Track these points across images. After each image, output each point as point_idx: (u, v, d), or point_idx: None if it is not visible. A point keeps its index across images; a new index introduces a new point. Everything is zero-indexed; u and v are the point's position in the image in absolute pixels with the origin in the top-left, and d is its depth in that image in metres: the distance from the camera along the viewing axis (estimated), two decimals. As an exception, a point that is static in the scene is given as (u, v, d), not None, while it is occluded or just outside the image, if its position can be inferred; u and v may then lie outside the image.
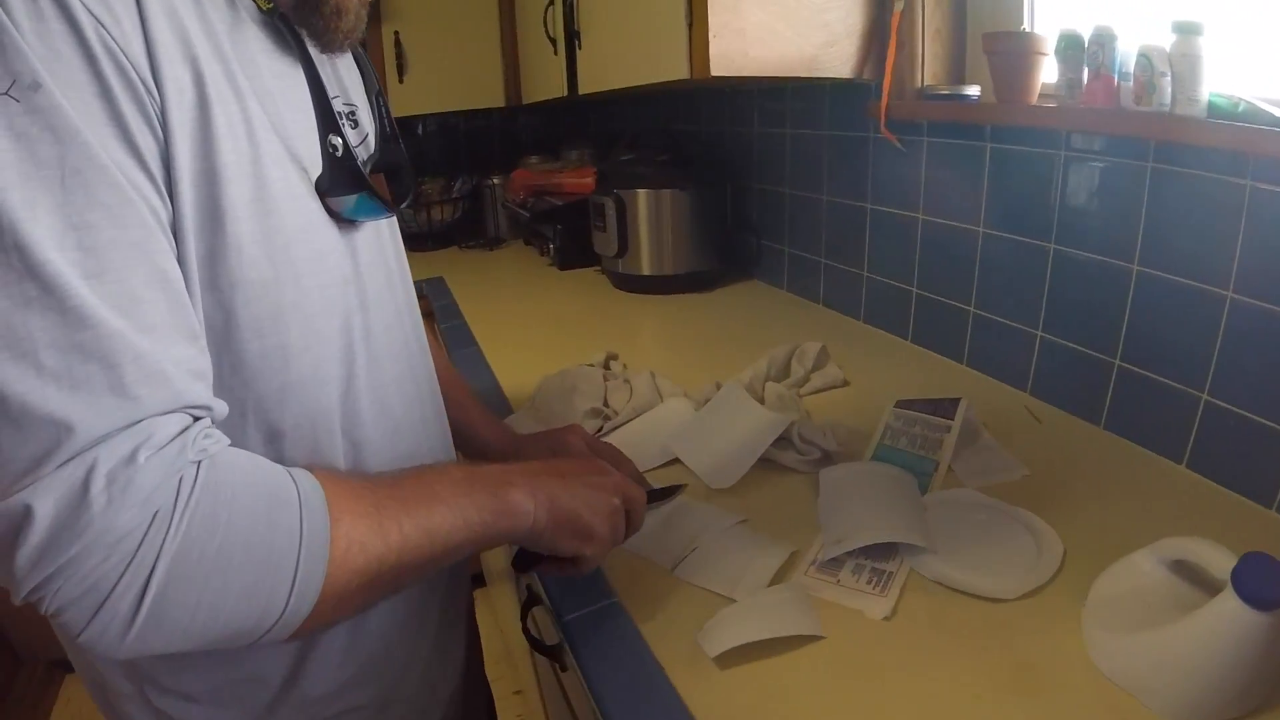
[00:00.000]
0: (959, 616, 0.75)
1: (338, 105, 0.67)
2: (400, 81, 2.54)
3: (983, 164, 1.23)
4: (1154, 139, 0.96)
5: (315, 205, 0.62)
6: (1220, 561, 0.63)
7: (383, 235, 0.74)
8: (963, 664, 0.69)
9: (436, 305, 2.03)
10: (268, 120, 0.58)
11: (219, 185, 0.54)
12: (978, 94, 1.27)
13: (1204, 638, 0.60)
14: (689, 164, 1.91)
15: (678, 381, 1.28)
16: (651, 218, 1.89)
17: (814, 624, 0.74)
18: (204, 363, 0.53)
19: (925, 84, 1.34)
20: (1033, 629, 0.72)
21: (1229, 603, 0.58)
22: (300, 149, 0.61)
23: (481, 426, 0.99)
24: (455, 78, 2.61)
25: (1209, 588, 0.65)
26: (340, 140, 0.64)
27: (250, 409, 0.60)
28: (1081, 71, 1.04)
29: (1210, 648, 0.60)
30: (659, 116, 2.45)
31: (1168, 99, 0.92)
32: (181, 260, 0.52)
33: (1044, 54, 1.12)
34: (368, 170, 0.70)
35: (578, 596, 0.82)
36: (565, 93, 1.99)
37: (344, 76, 0.72)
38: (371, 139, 0.75)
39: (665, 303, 1.90)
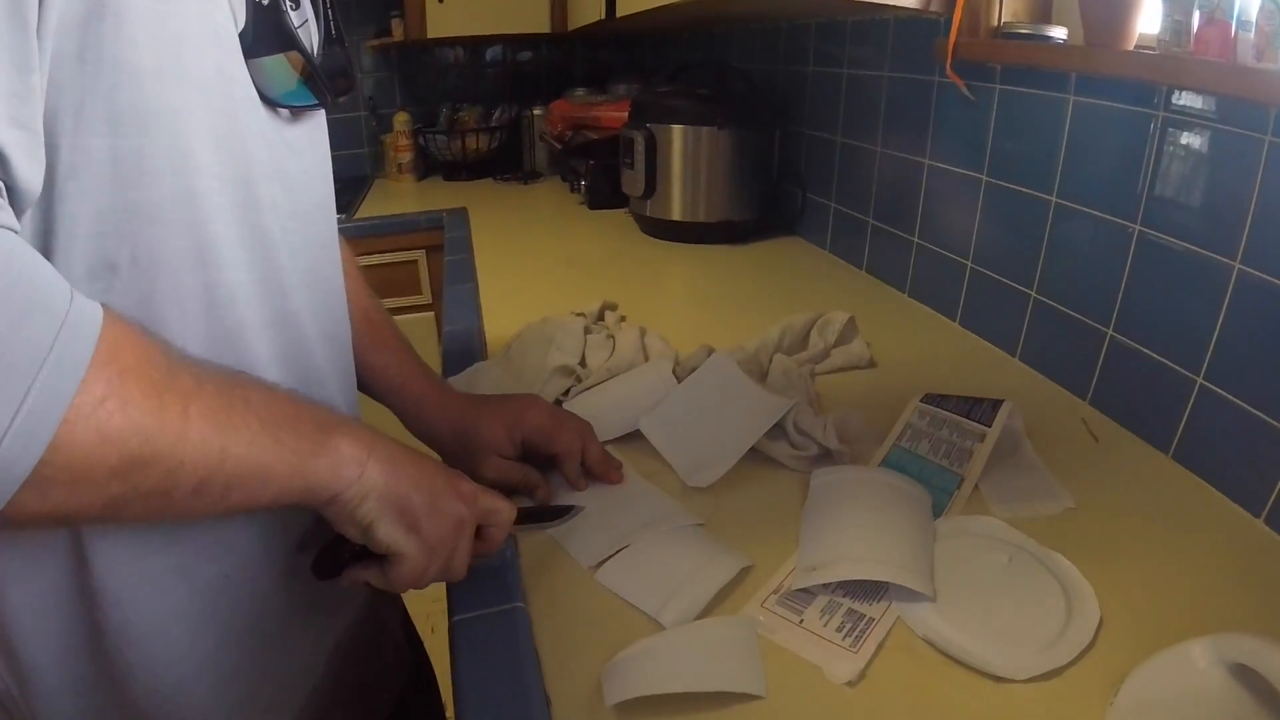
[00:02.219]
0: (946, 695, 0.58)
1: None
2: (440, 0, 2.37)
3: (1063, 121, 1.02)
4: (1277, 104, 0.75)
5: (230, 34, 0.54)
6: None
7: (313, 126, 0.67)
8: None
9: (449, 237, 1.92)
10: None
11: None
12: (1064, 36, 1.06)
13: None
14: (733, 101, 1.71)
15: (687, 343, 1.11)
16: (686, 157, 1.71)
17: (755, 679, 0.58)
18: (27, 113, 0.42)
19: (1003, 21, 1.14)
20: (1041, 727, 0.55)
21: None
22: None
23: (414, 380, 0.85)
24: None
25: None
26: None
27: (81, 229, 0.48)
28: (1192, 15, 0.85)
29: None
30: (714, 52, 2.26)
31: (1300, 56, 0.72)
32: (43, 5, 0.42)
33: (1148, -8, 0.91)
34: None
35: (479, 590, 0.68)
36: (603, 15, 1.81)
37: None
38: (315, 37, 0.66)
39: (694, 253, 1.73)
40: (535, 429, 0.82)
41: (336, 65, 0.68)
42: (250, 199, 0.57)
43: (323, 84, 0.62)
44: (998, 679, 0.58)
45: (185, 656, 0.60)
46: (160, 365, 0.46)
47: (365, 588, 0.62)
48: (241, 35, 0.55)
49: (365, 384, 0.83)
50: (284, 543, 0.64)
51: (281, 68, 0.58)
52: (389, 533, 0.57)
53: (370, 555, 0.59)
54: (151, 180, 0.49)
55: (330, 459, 0.53)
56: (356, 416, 0.74)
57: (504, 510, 0.66)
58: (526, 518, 0.73)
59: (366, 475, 0.55)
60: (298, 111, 0.63)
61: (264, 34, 0.56)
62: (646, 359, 1.07)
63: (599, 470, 0.83)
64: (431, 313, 2.26)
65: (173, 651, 0.59)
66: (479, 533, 0.65)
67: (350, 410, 0.75)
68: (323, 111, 0.69)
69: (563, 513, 0.76)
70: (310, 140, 0.67)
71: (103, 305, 0.44)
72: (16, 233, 0.42)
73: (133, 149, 0.48)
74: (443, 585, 0.69)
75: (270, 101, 0.58)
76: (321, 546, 0.61)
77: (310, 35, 0.65)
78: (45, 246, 0.47)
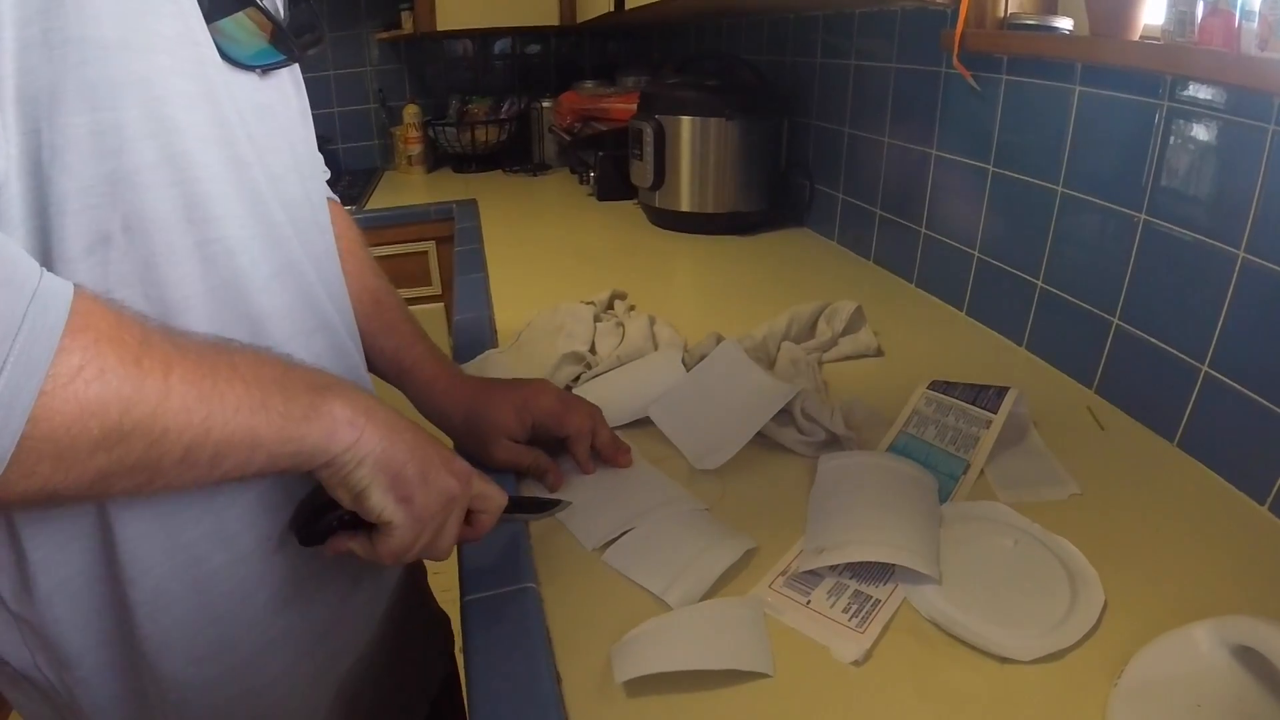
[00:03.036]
0: (951, 675, 0.58)
1: None
2: (447, -9, 2.38)
3: (1068, 111, 1.02)
4: (1281, 95, 0.75)
5: (191, 7, 0.52)
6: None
7: (282, 87, 0.65)
8: (943, 742, 0.53)
9: (459, 228, 1.92)
10: None
11: None
12: (1070, 27, 1.06)
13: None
14: (741, 92, 1.71)
15: (696, 333, 1.12)
16: (695, 148, 1.71)
17: (762, 658, 0.59)
18: None
19: (1009, 12, 1.13)
20: (1044, 705, 0.56)
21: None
22: None
23: (425, 363, 0.85)
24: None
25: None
26: None
27: (72, 205, 0.48)
28: (1196, 5, 0.84)
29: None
30: (722, 43, 2.25)
31: (1303, 46, 0.72)
32: None
33: (1154, -18, 0.91)
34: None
35: (491, 572, 0.69)
36: (611, 8, 1.81)
37: None
38: (281, 5, 0.64)
39: (702, 244, 1.74)
40: (546, 413, 0.82)
41: (304, 21, 0.67)
42: (235, 156, 0.56)
43: (288, 40, 0.60)
44: (1003, 660, 0.59)
45: (223, 618, 0.61)
46: (137, 334, 0.45)
47: (349, 555, 0.61)
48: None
49: (376, 367, 0.84)
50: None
51: (244, 28, 0.57)
52: (380, 500, 0.56)
53: (358, 524, 0.58)
54: (133, 148, 0.49)
55: (324, 423, 0.52)
56: (363, 369, 0.75)
57: (496, 496, 0.66)
58: (517, 507, 0.73)
59: (363, 439, 0.54)
60: (267, 71, 0.61)
61: None
62: (656, 347, 1.08)
63: (608, 453, 0.84)
64: (441, 303, 2.27)
65: (208, 614, 0.60)
66: (468, 517, 0.65)
67: (360, 358, 0.75)
68: (290, 73, 0.67)
69: (551, 505, 0.77)
70: (281, 100, 0.66)
71: (75, 285, 0.43)
72: None
73: (110, 121, 0.48)
74: (454, 573, 0.70)
75: (237, 63, 0.57)
76: (308, 511, 0.61)
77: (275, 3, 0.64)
78: (41, 227, 0.47)
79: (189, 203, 0.53)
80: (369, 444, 0.54)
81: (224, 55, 0.55)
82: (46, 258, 0.48)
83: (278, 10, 0.64)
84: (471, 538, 0.67)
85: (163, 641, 0.58)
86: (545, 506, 0.76)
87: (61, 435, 0.40)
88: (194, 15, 0.53)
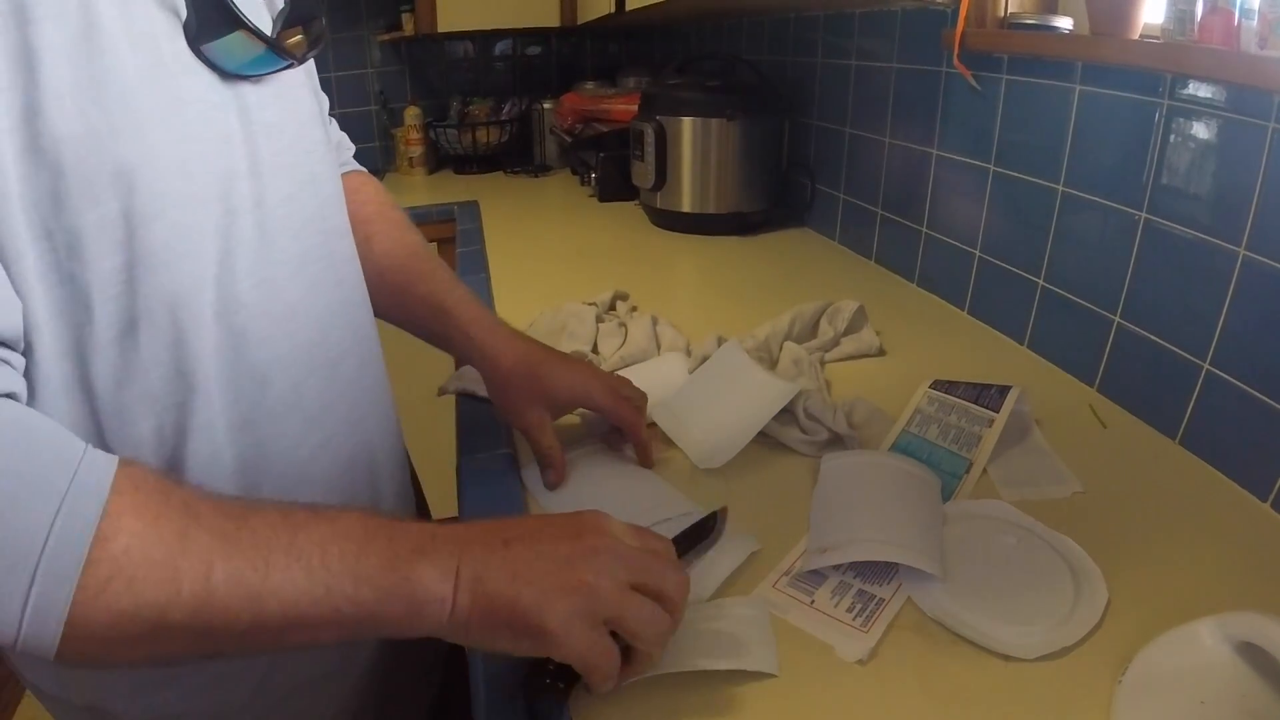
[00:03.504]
0: (955, 673, 0.59)
1: None
2: (448, -8, 2.38)
3: (1069, 110, 1.03)
4: (1281, 93, 0.75)
5: (175, 49, 0.52)
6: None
7: (290, 93, 0.64)
8: (948, 740, 0.53)
9: (460, 229, 1.93)
10: None
11: (29, 25, 0.44)
12: (1070, 26, 1.06)
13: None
14: (742, 92, 1.72)
15: (698, 333, 1.12)
16: (696, 149, 1.71)
17: (768, 658, 0.59)
18: None
19: (1009, 12, 1.14)
20: (1048, 703, 0.56)
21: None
22: None
23: (467, 304, 0.85)
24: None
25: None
26: None
27: (94, 296, 0.49)
28: (1195, 4, 0.85)
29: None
30: (722, 44, 2.25)
31: (1303, 44, 0.72)
32: None
33: (1154, -19, 0.91)
34: (278, 26, 0.60)
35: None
36: (613, 9, 1.81)
37: None
38: None
39: (704, 244, 1.74)
40: (599, 407, 0.82)
41: (306, 10, 0.64)
42: (243, 204, 0.57)
43: (282, 51, 0.59)
44: (1007, 658, 0.59)
45: None
46: (176, 527, 0.43)
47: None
48: (185, 26, 0.53)
49: (415, 316, 0.83)
50: None
51: (238, 44, 0.56)
52: (514, 647, 0.49)
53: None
54: (141, 233, 0.50)
55: (410, 605, 0.47)
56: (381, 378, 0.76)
57: (662, 572, 0.53)
58: (683, 548, 0.67)
59: (459, 603, 0.48)
60: (261, 78, 0.60)
61: (207, 18, 0.53)
62: (659, 347, 1.08)
63: (643, 455, 0.84)
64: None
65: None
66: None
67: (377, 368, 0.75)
68: (304, 70, 0.67)
69: (710, 527, 0.71)
70: (292, 107, 0.65)
71: (121, 460, 0.44)
72: (16, 397, 0.44)
73: (114, 212, 0.49)
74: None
75: (234, 75, 0.57)
76: (528, 671, 0.55)
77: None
78: (72, 320, 0.49)
79: (223, 290, 0.56)
80: (467, 604, 0.48)
81: (218, 68, 0.55)
82: (81, 348, 0.50)
83: (273, 9, 0.63)
84: (671, 622, 0.54)
85: None
86: (704, 532, 0.71)
87: (100, 635, 0.42)
88: (178, 59, 0.52)
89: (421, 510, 0.99)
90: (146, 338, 0.52)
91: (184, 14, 0.53)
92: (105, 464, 0.43)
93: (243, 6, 0.55)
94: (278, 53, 0.59)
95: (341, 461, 0.70)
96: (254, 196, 0.58)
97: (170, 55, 0.52)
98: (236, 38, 0.55)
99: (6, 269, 0.45)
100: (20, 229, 0.45)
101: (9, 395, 0.44)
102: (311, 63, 0.70)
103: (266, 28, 0.59)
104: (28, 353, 0.48)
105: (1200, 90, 0.85)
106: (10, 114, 0.44)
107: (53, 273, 0.47)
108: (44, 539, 0.39)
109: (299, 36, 0.62)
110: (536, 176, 2.59)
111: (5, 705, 2.00)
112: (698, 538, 0.71)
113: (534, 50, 2.91)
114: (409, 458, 0.90)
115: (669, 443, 0.89)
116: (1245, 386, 0.81)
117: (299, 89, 0.67)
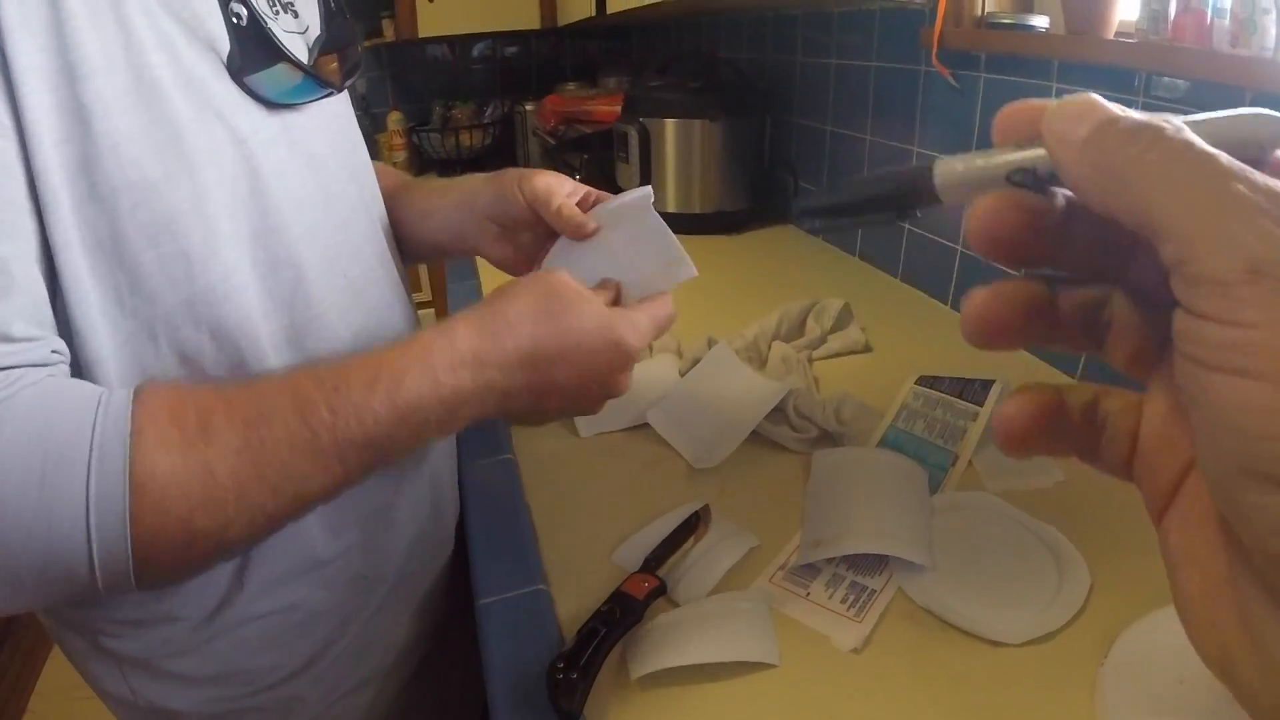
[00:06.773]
0: (946, 659, 0.61)
1: None
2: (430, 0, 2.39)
3: (1046, 106, 1.05)
4: (1251, 88, 0.77)
5: (224, 88, 0.54)
6: None
7: (333, 121, 0.66)
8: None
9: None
10: None
11: (79, 82, 0.46)
12: (1046, 25, 1.08)
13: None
14: (724, 93, 1.73)
15: (686, 333, 1.12)
16: (679, 150, 1.72)
17: (769, 649, 0.61)
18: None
19: (986, 11, 1.16)
20: (1035, 685, 0.58)
21: None
22: (211, 27, 0.53)
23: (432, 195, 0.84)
24: (487, -4, 2.46)
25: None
26: (244, 8, 0.55)
27: (160, 329, 0.52)
28: (1169, 3, 0.87)
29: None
30: (702, 43, 2.27)
31: (1271, 41, 0.75)
32: (37, 173, 0.45)
33: (1127, -19, 0.93)
34: (314, 54, 0.63)
35: (503, 578, 0.71)
36: (594, 12, 1.82)
37: None
38: (316, 24, 0.66)
39: (689, 243, 1.66)
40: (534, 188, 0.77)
41: (341, 36, 0.67)
42: (299, 235, 0.60)
43: (321, 80, 0.62)
44: (994, 643, 0.62)
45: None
46: (191, 420, 0.47)
47: None
48: (229, 60, 0.55)
49: (413, 237, 0.83)
50: None
51: (281, 73, 0.58)
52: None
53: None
54: (201, 271, 0.52)
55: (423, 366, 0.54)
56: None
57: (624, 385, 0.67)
58: (669, 550, 0.72)
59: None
60: (303, 106, 0.62)
61: (250, 52, 0.56)
62: (650, 348, 1.10)
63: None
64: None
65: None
66: None
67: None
68: (342, 100, 0.68)
69: (694, 524, 0.75)
70: (339, 133, 0.67)
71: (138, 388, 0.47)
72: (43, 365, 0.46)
73: (173, 252, 0.51)
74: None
75: (278, 104, 0.59)
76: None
77: (310, 14, 0.65)
78: (134, 354, 0.52)
79: (264, 304, 0.57)
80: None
81: (261, 99, 0.57)
82: (145, 376, 0.53)
83: (319, 30, 0.65)
84: None
85: None
86: (688, 528, 0.74)
87: (178, 540, 0.46)
88: (231, 102, 0.54)
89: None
90: (212, 363, 0.55)
91: (227, 47, 0.54)
92: (122, 400, 0.46)
93: (280, 35, 0.57)
94: (317, 81, 0.61)
95: (405, 483, 0.74)
96: (309, 226, 0.61)
97: (221, 95, 0.54)
98: (280, 68, 0.57)
99: (70, 311, 0.48)
100: (83, 274, 0.48)
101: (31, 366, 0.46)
102: (350, 105, 0.72)
103: (303, 55, 0.61)
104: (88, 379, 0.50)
105: (1174, 89, 0.87)
106: (68, 167, 0.46)
107: (115, 309, 0.50)
108: (84, 507, 0.42)
109: (335, 65, 0.64)
110: (521, 178, 2.59)
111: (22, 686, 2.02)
112: (681, 539, 0.73)
113: (512, 50, 2.92)
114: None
115: (665, 444, 0.91)
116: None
117: (342, 116, 0.69)
